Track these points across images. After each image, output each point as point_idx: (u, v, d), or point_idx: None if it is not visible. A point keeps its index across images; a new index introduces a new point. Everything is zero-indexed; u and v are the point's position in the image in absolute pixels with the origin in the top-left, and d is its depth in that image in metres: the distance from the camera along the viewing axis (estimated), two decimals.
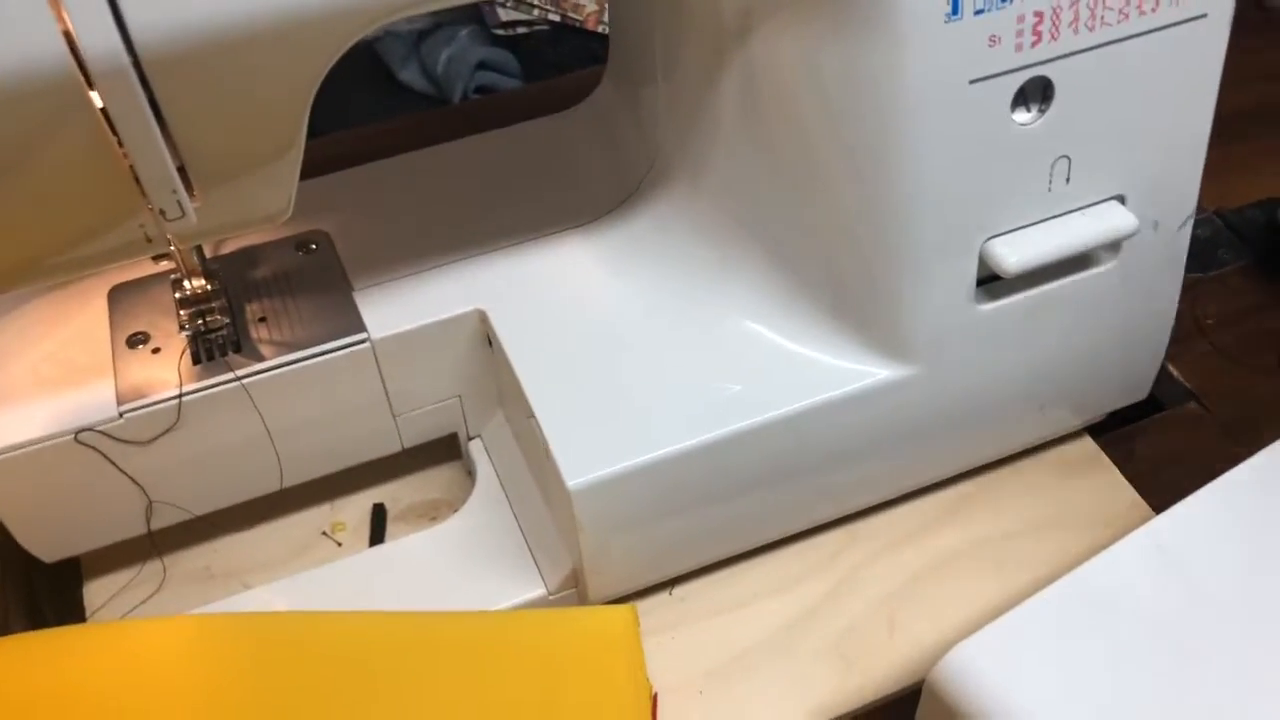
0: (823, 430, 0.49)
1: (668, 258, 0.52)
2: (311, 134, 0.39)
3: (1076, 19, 0.42)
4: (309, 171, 0.53)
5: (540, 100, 0.78)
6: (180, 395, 0.47)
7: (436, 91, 1.01)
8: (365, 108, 0.92)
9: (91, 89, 0.33)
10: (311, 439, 0.52)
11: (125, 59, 0.33)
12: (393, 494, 0.57)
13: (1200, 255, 0.67)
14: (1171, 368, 0.60)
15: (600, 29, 1.04)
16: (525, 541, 0.51)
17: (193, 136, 0.36)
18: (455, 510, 0.55)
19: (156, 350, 0.49)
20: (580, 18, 0.93)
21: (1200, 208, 0.58)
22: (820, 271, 0.48)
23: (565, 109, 0.62)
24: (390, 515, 0.56)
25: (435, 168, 0.58)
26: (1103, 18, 0.43)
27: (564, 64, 0.99)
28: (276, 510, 0.56)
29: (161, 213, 0.38)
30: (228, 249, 0.54)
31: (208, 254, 0.50)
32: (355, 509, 0.56)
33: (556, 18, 0.95)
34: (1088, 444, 0.58)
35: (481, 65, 1.00)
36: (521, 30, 1.01)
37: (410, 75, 1.02)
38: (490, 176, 0.57)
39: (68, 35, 0.32)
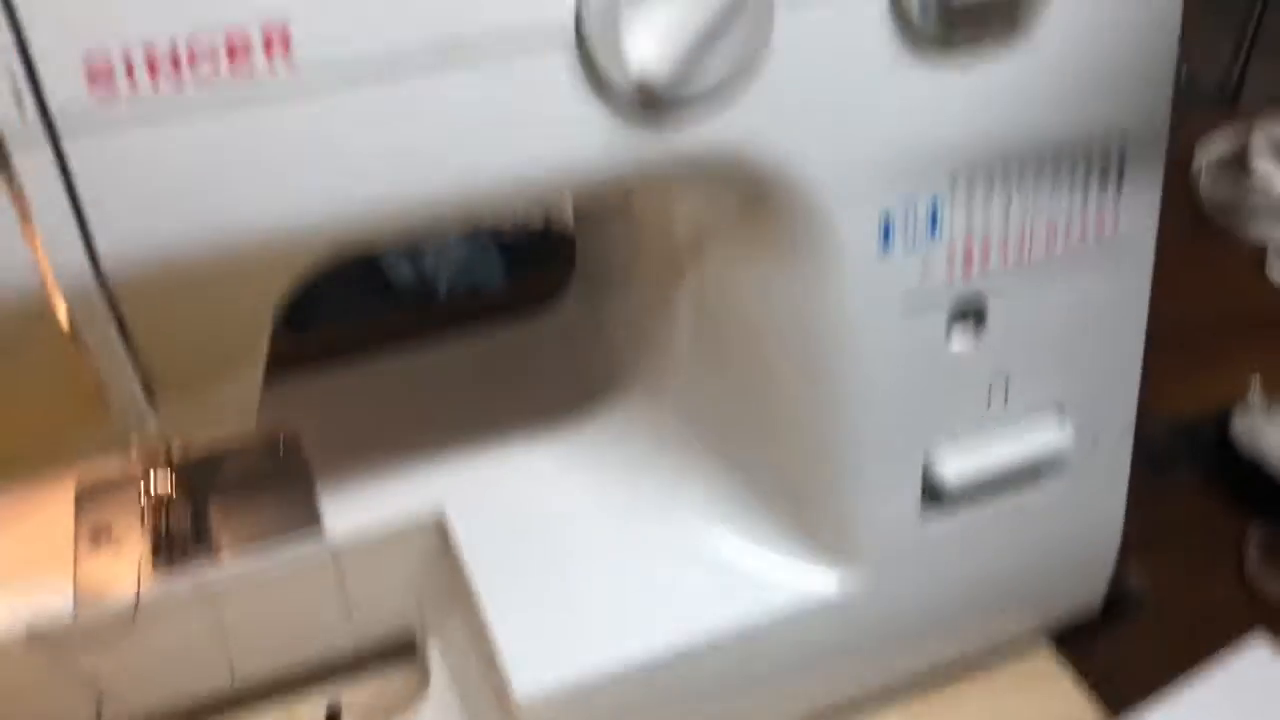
0: (773, 645, 0.49)
1: (626, 466, 0.53)
2: (293, 328, 0.40)
3: (1006, 249, 0.45)
4: (287, 369, 0.55)
5: (523, 298, 0.81)
6: (138, 596, 0.48)
7: (421, 286, 1.04)
8: (349, 301, 0.94)
9: (60, 308, 0.35)
10: (266, 638, 0.52)
11: (94, 282, 0.35)
12: (348, 695, 0.57)
13: (1152, 460, 0.68)
14: (1127, 576, 0.61)
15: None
16: None
17: (157, 351, 0.38)
18: (410, 713, 0.55)
19: (118, 549, 0.50)
20: (564, 222, 0.97)
21: (1154, 415, 0.60)
22: (774, 484, 0.50)
23: (545, 307, 0.64)
24: (345, 717, 0.56)
25: (405, 371, 0.60)
26: (1031, 247, 0.45)
27: (547, 262, 1.03)
28: (228, 708, 0.55)
29: (125, 424, 0.39)
30: (197, 447, 0.55)
31: (176, 454, 0.51)
32: (310, 710, 0.56)
33: (540, 226, 1.00)
34: (1042, 656, 0.58)
35: (467, 263, 1.04)
36: (507, 229, 1.05)
37: (396, 269, 1.05)
38: (458, 381, 0.59)
39: (39, 260, 0.34)
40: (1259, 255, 0.83)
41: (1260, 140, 0.91)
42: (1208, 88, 1.97)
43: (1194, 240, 0.85)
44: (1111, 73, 0.43)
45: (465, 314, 0.84)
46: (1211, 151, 0.91)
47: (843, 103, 0.40)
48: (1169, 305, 0.51)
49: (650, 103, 0.37)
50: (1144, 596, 0.60)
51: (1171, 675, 0.56)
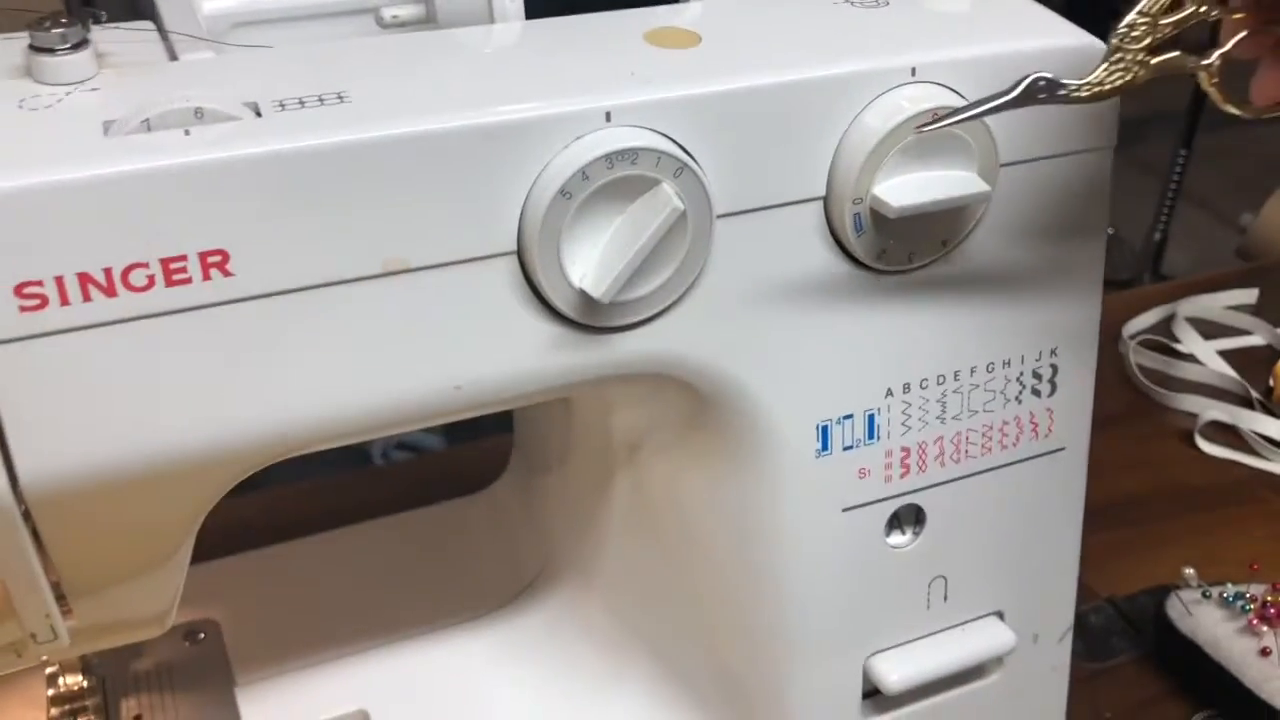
0: None
1: (556, 662, 0.52)
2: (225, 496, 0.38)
3: (942, 453, 0.45)
4: (210, 545, 0.53)
5: (460, 465, 0.79)
6: None
7: (357, 444, 1.03)
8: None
9: None
10: None
11: (9, 497, 0.33)
12: None
13: (1095, 645, 0.68)
14: None
15: None
16: None
17: (73, 559, 0.37)
18: None
19: None
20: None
21: (1092, 594, 0.59)
22: (708, 681, 0.49)
23: (483, 475, 0.63)
24: None
25: (334, 552, 0.58)
26: (966, 451, 0.45)
27: (487, 424, 1.02)
28: None
29: (33, 635, 0.37)
30: None
31: (84, 652, 0.49)
32: None
33: None
34: None
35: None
36: None
37: None
38: (388, 563, 0.58)
39: None
40: (1189, 425, 0.84)
41: (1184, 316, 0.94)
42: (1133, 244, 2.05)
43: (1123, 411, 0.86)
44: (1044, 284, 0.44)
45: (400, 481, 0.83)
46: (1137, 324, 0.94)
47: (780, 315, 0.40)
48: (1101, 481, 0.51)
49: (591, 312, 0.37)
50: None
51: None
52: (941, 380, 0.44)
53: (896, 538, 0.46)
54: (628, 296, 0.37)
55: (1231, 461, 0.80)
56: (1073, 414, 0.47)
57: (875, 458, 0.44)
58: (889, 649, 0.47)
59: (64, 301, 0.32)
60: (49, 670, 0.49)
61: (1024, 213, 0.43)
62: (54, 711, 0.48)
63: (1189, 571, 0.64)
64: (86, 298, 0.32)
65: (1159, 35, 0.36)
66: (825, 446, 0.43)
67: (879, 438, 0.43)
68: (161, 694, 0.50)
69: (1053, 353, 0.45)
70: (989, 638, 0.48)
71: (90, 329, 0.32)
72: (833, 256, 0.40)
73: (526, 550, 0.56)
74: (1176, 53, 0.37)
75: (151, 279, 0.32)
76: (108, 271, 0.32)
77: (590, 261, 0.36)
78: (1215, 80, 0.37)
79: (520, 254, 0.36)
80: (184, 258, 0.32)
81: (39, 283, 0.31)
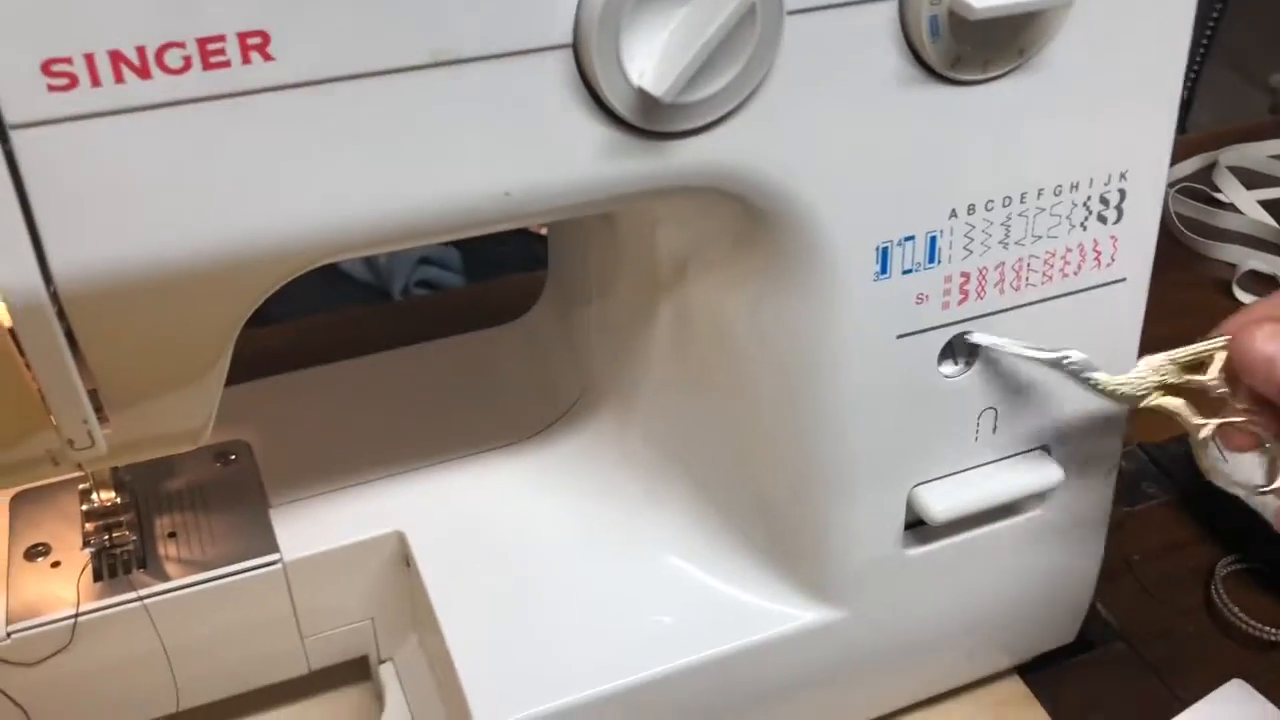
0: (748, 672, 0.47)
1: (594, 486, 0.51)
2: (245, 326, 0.37)
3: (1002, 279, 0.43)
4: (237, 372, 0.52)
5: (481, 302, 0.78)
6: (76, 616, 0.45)
7: (378, 282, 1.01)
8: (304, 296, 0.91)
9: (2, 315, 0.32)
10: (213, 660, 0.49)
11: (42, 292, 0.32)
12: (297, 716, 0.54)
13: (1125, 490, 0.67)
14: (1099, 605, 0.60)
15: (543, 232, 1.05)
16: None
17: (109, 366, 0.35)
18: None
19: (56, 564, 0.47)
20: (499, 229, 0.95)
21: (1124, 441, 0.59)
22: (749, 508, 0.48)
23: (504, 312, 0.62)
24: None
25: (365, 378, 0.57)
26: (1027, 279, 0.44)
27: (506, 263, 1.01)
28: None
29: (70, 442, 0.36)
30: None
31: (116, 465, 0.48)
32: None
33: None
34: (1016, 684, 0.57)
35: (424, 259, 1.01)
36: None
37: (352, 265, 1.02)
38: (420, 390, 0.56)
39: None
40: (1227, 275, 0.82)
41: (1225, 164, 0.92)
42: None
43: (1161, 260, 0.85)
44: (1118, 103, 0.42)
45: (423, 316, 0.82)
46: (1176, 173, 0.91)
47: (847, 125, 0.38)
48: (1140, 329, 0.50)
49: (651, 115, 0.35)
50: (1113, 625, 0.59)
51: (1139, 706, 0.55)
52: (1007, 202, 0.42)
53: (949, 367, 0.45)
54: (689, 98, 0.34)
55: None
56: (1137, 243, 0.45)
57: (934, 283, 0.42)
58: (935, 480, 0.46)
59: (95, 82, 0.29)
60: (82, 486, 0.48)
61: (1104, 26, 0.40)
62: (89, 526, 0.47)
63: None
64: (119, 79, 0.30)
65: (1177, 380, 0.43)
66: (884, 270, 0.41)
67: (939, 261, 0.42)
68: (195, 513, 0.49)
69: (1122, 176, 0.43)
70: (1036, 472, 0.47)
71: (123, 113, 0.30)
72: (904, 63, 0.38)
73: (563, 379, 0.55)
74: (1182, 402, 0.44)
75: (188, 60, 0.30)
76: (141, 50, 0.30)
77: (651, 57, 0.34)
78: (1201, 441, 0.43)
79: (576, 48, 0.34)
80: (222, 38, 0.30)
81: (68, 60, 0.29)
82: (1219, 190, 0.90)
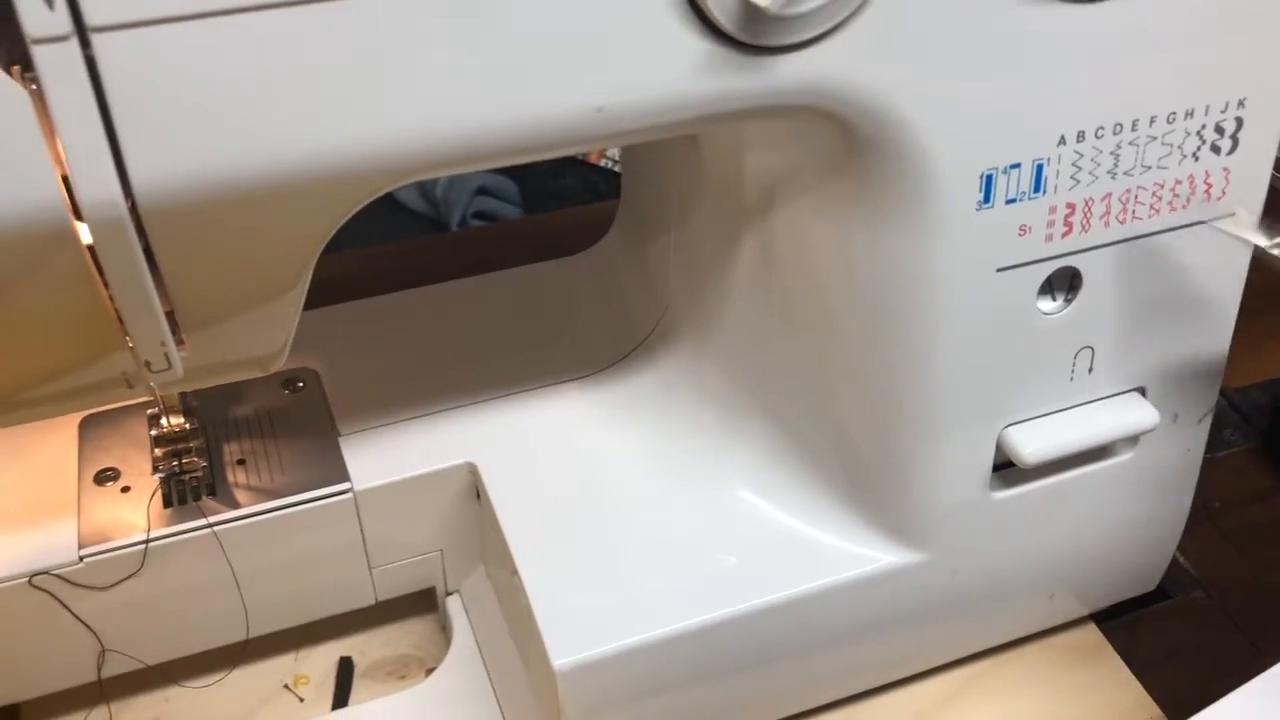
0: (825, 614, 0.46)
1: (670, 420, 0.50)
2: None
3: (1108, 212, 0.41)
4: None
5: (540, 234, 0.76)
6: (147, 541, 0.45)
7: (434, 213, 1.00)
8: (359, 227, 0.90)
9: (81, 231, 0.31)
10: (281, 588, 0.49)
11: (122, 206, 0.31)
12: (362, 646, 0.54)
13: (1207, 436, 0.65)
14: (1178, 554, 0.58)
15: (604, 164, 1.03)
16: (501, 713, 0.48)
17: (188, 285, 0.34)
18: (426, 668, 0.52)
19: (126, 489, 0.47)
20: (584, 151, 0.93)
21: None
22: (829, 446, 0.47)
23: (564, 244, 0.60)
24: (358, 669, 0.53)
25: (433, 307, 0.56)
26: (1134, 211, 0.42)
27: (565, 195, 0.99)
28: (236, 659, 0.52)
29: (147, 364, 0.35)
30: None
31: (189, 389, 0.47)
32: (321, 660, 0.53)
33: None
34: (1092, 632, 0.55)
35: (481, 190, 0.99)
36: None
37: (408, 195, 1.00)
38: (490, 321, 0.55)
39: (65, 180, 0.30)
40: None
41: None
42: None
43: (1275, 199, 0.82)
44: (1237, 25, 0.39)
45: (484, 247, 0.80)
46: None
47: (954, 47, 0.36)
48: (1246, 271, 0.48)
49: (754, 27, 0.33)
50: (1192, 574, 0.58)
51: (1217, 657, 0.54)
52: (1118, 129, 0.39)
53: (1048, 303, 0.43)
54: (795, 10, 0.32)
55: None
56: (1250, 175, 0.43)
57: (1038, 214, 0.40)
58: (1027, 420, 0.45)
59: None
60: (150, 411, 0.47)
61: None
62: (158, 451, 0.46)
63: None
64: None
65: None
66: (987, 198, 0.39)
67: (1045, 191, 0.40)
68: (263, 440, 0.49)
69: (1240, 104, 0.41)
70: (1131, 414, 0.46)
71: (211, 16, 0.29)
72: None
73: (637, 311, 0.54)
74: None
75: None
76: None
77: None
78: None
79: None
80: None
81: None
82: None
